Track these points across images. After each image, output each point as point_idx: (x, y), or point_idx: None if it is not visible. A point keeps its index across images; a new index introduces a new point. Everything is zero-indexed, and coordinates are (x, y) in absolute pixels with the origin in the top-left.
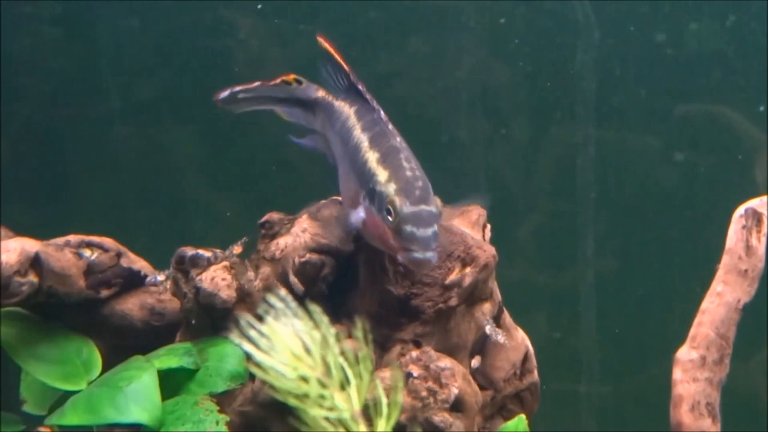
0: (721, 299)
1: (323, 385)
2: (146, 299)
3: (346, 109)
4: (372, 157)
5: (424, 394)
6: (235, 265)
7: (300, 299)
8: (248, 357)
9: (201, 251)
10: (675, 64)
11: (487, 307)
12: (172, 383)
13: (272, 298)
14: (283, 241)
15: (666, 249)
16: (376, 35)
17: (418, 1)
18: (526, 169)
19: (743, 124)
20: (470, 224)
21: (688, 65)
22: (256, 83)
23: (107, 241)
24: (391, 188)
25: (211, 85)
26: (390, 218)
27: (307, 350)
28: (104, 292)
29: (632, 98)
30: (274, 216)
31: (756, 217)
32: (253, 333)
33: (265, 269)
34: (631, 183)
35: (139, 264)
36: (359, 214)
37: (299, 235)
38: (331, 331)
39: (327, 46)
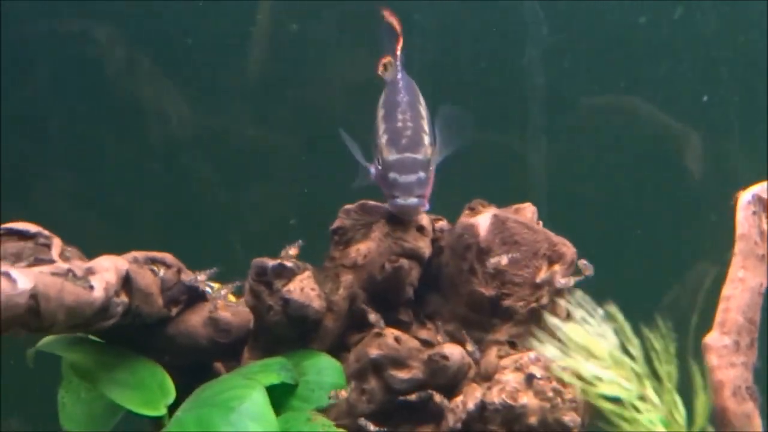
0: (744, 285)
1: (640, 389)
2: (209, 315)
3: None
4: (379, 114)
5: (550, 394)
6: (314, 274)
7: (393, 307)
8: (551, 361)
9: (282, 261)
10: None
11: (563, 303)
12: (272, 400)
13: (571, 303)
14: (364, 247)
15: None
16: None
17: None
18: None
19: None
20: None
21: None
22: None
23: (168, 257)
24: (383, 139)
25: None
26: (380, 166)
27: (627, 355)
28: (174, 310)
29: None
30: (345, 222)
31: (762, 202)
32: (554, 338)
33: (347, 277)
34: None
35: (191, 277)
36: (371, 168)
37: (382, 240)
38: (631, 334)
39: (393, 20)
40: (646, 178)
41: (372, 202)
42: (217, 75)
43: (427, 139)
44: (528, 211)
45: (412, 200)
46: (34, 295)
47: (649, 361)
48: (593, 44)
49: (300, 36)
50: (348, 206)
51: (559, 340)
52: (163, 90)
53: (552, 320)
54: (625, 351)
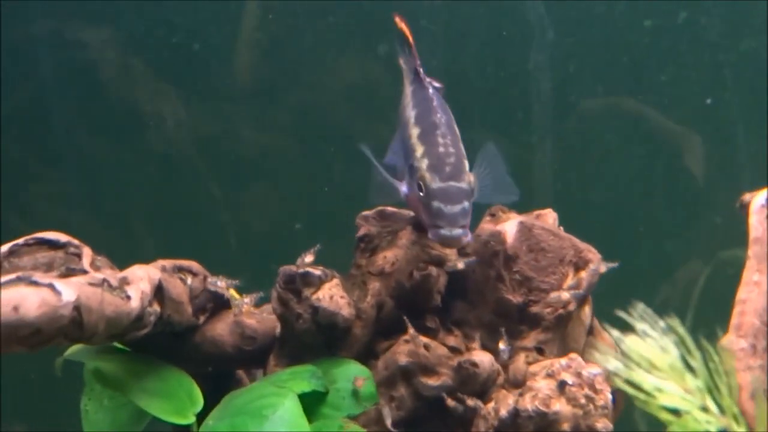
0: (760, 288)
1: (701, 400)
2: (234, 323)
3: (407, 89)
4: (414, 133)
5: (582, 401)
6: (341, 282)
7: (420, 314)
8: (612, 374)
9: (309, 269)
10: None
11: (587, 310)
12: (303, 408)
13: (633, 316)
14: (391, 255)
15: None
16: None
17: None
18: None
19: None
20: None
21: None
22: None
23: (194, 265)
24: (423, 164)
25: None
26: (421, 193)
27: (688, 368)
28: (201, 319)
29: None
30: (371, 229)
31: None
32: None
33: (374, 284)
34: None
35: (213, 279)
36: (402, 188)
37: (409, 247)
38: (693, 347)
39: (403, 27)
40: (649, 180)
41: (390, 209)
42: (213, 77)
43: (467, 165)
44: (549, 217)
45: (457, 231)
46: (77, 307)
47: (709, 373)
48: (598, 48)
49: (296, 36)
50: (366, 213)
51: (621, 353)
52: (159, 92)
53: (614, 333)
54: (686, 364)
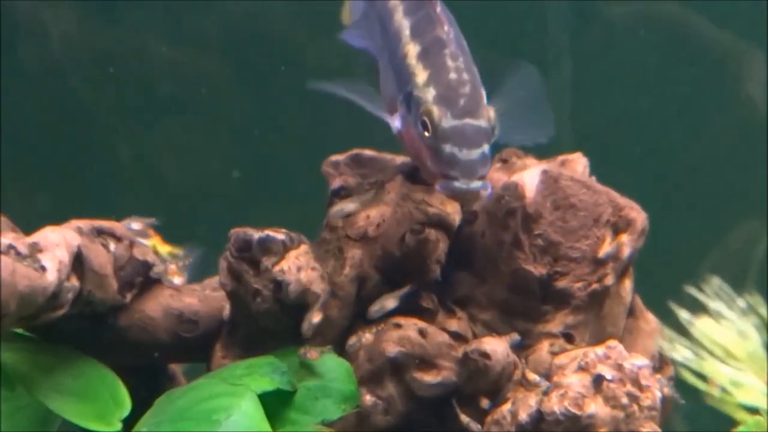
0: None
1: None
2: (170, 302)
3: None
4: (411, 51)
5: (624, 401)
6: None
7: (414, 291)
8: (678, 364)
9: (270, 233)
10: None
11: (628, 284)
12: (264, 411)
13: (706, 293)
14: (376, 214)
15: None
16: None
17: None
18: None
19: None
20: None
21: None
22: None
23: (117, 227)
24: (429, 94)
25: None
26: (426, 133)
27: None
28: (128, 296)
29: None
30: (349, 180)
31: None
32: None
33: (354, 252)
34: None
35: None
36: (395, 124)
37: (399, 204)
38: None
39: None
40: (695, 113)
41: (368, 152)
42: None
43: (485, 96)
44: (579, 163)
45: (476, 184)
46: None
47: None
48: None
49: None
50: (335, 157)
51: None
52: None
53: (682, 314)
54: None
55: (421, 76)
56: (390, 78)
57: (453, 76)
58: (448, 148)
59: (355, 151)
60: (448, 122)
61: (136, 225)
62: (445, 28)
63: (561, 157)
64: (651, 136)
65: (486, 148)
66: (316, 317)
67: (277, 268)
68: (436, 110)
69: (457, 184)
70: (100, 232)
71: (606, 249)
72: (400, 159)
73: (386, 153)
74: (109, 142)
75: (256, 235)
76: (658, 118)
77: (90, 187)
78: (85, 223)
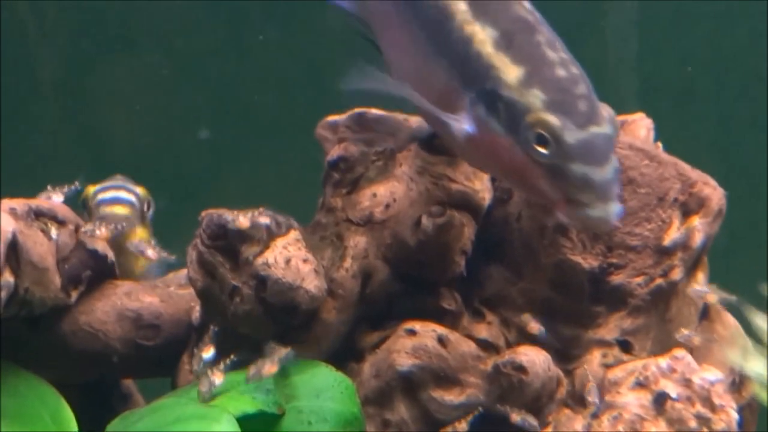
0: None
1: None
2: (125, 302)
3: None
4: (482, 37)
5: (693, 424)
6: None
7: (432, 288)
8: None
9: (252, 215)
10: None
11: (701, 279)
12: None
13: None
14: (385, 191)
15: None
16: None
17: None
18: None
19: None
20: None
21: None
22: None
23: (59, 208)
24: (534, 98)
25: None
26: (543, 150)
27: None
28: (73, 295)
29: None
30: (351, 149)
31: None
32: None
33: (358, 240)
34: None
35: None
36: (463, 127)
37: (414, 178)
38: None
39: None
40: None
41: (374, 111)
42: None
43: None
44: (641, 126)
45: (613, 208)
46: None
47: None
48: None
49: None
50: (333, 118)
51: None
52: None
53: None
54: None
55: (510, 71)
56: (435, 67)
57: (561, 73)
58: (577, 167)
59: (358, 109)
60: (572, 135)
61: (57, 196)
62: (526, 4)
63: (619, 118)
64: (726, 92)
65: (616, 162)
66: (206, 352)
67: (260, 261)
68: (554, 120)
69: (592, 212)
70: (38, 215)
71: (673, 235)
72: (414, 120)
73: (397, 113)
74: (42, 94)
75: (232, 218)
76: (733, 72)
77: (18, 147)
78: (19, 203)
